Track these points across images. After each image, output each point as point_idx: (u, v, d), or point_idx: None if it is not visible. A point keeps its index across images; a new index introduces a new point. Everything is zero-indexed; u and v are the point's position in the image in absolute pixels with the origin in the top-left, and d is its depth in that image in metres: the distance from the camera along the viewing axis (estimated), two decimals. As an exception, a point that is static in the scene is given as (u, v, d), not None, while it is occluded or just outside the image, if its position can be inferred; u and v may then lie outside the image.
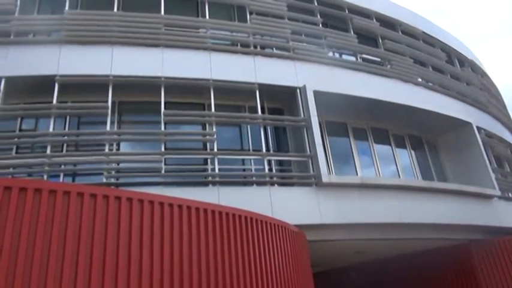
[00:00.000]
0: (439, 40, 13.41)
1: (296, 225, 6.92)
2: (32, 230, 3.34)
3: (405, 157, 11.08)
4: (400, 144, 11.13)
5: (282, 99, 9.31)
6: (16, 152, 7.58)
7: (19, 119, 7.92)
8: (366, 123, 10.57)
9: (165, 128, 7.97)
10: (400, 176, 10.47)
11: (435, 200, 9.27)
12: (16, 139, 7.57)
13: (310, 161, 8.38)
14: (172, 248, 4.13)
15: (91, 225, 3.64)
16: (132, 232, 3.86)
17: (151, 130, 8.04)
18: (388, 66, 11.02)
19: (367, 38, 11.35)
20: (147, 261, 3.85)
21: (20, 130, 7.90)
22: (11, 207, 3.30)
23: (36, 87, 7.83)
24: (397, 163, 10.67)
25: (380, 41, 11.50)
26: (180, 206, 4.41)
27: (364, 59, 10.82)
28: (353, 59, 10.68)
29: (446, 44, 13.69)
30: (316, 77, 9.32)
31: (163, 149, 7.72)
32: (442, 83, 12.03)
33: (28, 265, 3.21)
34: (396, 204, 8.66)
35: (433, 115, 10.88)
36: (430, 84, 11.70)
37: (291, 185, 8.38)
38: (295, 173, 8.75)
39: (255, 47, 9.40)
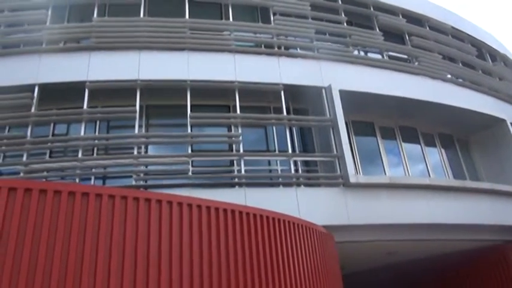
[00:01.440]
0: (468, 34, 12.99)
1: (324, 226, 6.85)
2: (67, 231, 3.44)
3: (435, 156, 10.78)
4: (430, 143, 10.84)
5: (308, 100, 9.25)
6: (50, 156, 7.85)
7: (52, 124, 8.20)
8: (393, 122, 10.35)
9: (191, 130, 8.07)
10: (430, 175, 10.20)
11: (467, 200, 8.98)
12: (49, 144, 7.84)
13: (337, 161, 8.28)
14: (201, 248, 4.17)
15: (122, 227, 3.72)
16: (161, 234, 3.92)
17: (178, 133, 8.16)
18: (416, 63, 10.77)
19: (393, 35, 11.13)
20: (176, 262, 3.90)
21: (53, 135, 8.18)
22: (47, 210, 3.42)
23: (68, 93, 8.09)
24: (426, 162, 10.39)
25: (407, 37, 11.26)
26: (208, 208, 4.45)
27: (390, 57, 10.61)
28: (379, 56, 10.49)
29: (477, 39, 13.24)
30: (341, 76, 9.22)
31: (190, 151, 7.81)
32: (473, 78, 11.64)
33: (63, 265, 3.31)
34: (427, 204, 8.43)
35: (464, 112, 10.54)
36: (460, 80, 11.35)
37: (318, 185, 8.31)
38: (321, 173, 8.66)
39: (279, 47, 9.39)
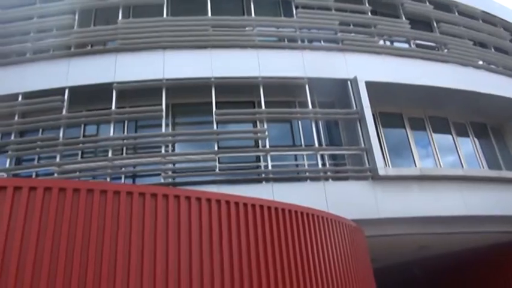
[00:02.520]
0: (500, 18, 12.44)
1: (353, 220, 6.74)
2: (100, 229, 3.51)
3: (468, 146, 10.41)
4: (462, 133, 10.47)
5: (333, 92, 9.12)
6: (81, 157, 8.08)
7: (82, 126, 8.43)
8: (423, 112, 10.05)
9: (217, 127, 8.11)
10: (463, 166, 9.86)
11: (503, 191, 8.64)
12: (81, 145, 8.06)
13: (365, 154, 8.14)
14: (231, 244, 4.18)
15: (153, 224, 3.77)
16: (191, 230, 3.95)
17: (204, 130, 8.21)
18: (445, 50, 10.41)
19: (420, 23, 10.80)
20: (206, 258, 3.93)
21: (84, 136, 8.41)
22: (80, 208, 3.51)
23: (96, 95, 8.29)
24: (459, 153, 10.05)
25: (435, 24, 10.90)
26: (236, 203, 4.45)
27: (418, 45, 10.30)
28: (406, 45, 10.21)
29: (510, 22, 12.66)
30: (367, 67, 9.04)
31: (216, 148, 7.85)
32: (506, 64, 11.15)
33: (98, 263, 3.39)
34: (460, 196, 8.17)
35: (497, 100, 10.12)
36: (493, 66, 10.90)
37: (346, 179, 8.18)
38: (349, 166, 8.53)
39: (303, 41, 9.29)
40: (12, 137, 7.93)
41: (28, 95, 8.20)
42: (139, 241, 3.62)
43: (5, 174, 7.57)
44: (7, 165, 7.75)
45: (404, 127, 9.71)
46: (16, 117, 8.05)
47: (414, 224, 7.98)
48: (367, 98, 8.44)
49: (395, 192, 7.85)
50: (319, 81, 8.72)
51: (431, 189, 8.08)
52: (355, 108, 8.52)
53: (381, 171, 7.78)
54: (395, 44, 10.38)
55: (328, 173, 8.08)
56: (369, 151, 8.06)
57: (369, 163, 8.03)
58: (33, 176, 7.86)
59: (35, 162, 8.10)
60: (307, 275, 4.76)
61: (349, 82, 8.76)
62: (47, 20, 9.07)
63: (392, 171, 8.15)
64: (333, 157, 8.90)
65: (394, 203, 7.70)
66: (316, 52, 9.17)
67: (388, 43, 10.43)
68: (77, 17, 9.09)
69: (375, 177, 7.84)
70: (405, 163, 9.38)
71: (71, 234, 3.41)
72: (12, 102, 8.13)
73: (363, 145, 8.20)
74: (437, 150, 9.76)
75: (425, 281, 12.08)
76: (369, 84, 8.58)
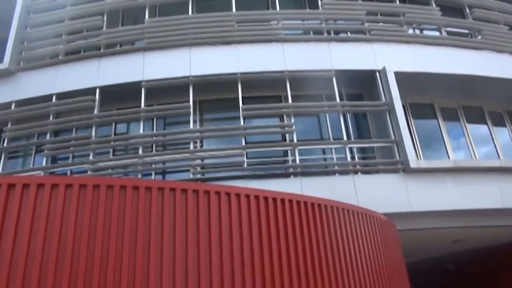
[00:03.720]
0: (538, 1, 11.81)
1: (384, 214, 6.61)
2: (134, 225, 3.60)
3: (505, 136, 9.98)
4: (498, 122, 10.04)
5: (361, 84, 8.95)
6: (113, 154, 8.29)
7: (113, 124, 8.64)
8: (456, 102, 9.70)
9: (244, 122, 8.13)
10: (500, 156, 9.46)
11: (545, 182, 8.23)
12: (112, 142, 8.27)
13: (395, 147, 7.96)
14: (261, 239, 4.19)
15: (184, 219, 3.83)
16: (221, 225, 3.99)
17: (232, 126, 8.24)
18: (479, 37, 9.99)
19: (451, 9, 10.40)
20: (237, 253, 3.95)
21: (115, 134, 8.62)
22: (114, 203, 3.61)
23: (126, 94, 8.48)
24: (495, 143, 9.65)
25: (467, 10, 10.47)
26: (265, 198, 4.45)
27: (449, 33, 9.93)
28: (437, 33, 9.86)
29: (548, 5, 12.01)
30: (396, 57, 8.80)
31: (244, 143, 7.88)
32: (545, 49, 10.58)
33: (132, 259, 3.48)
34: (497, 188, 7.86)
35: (536, 87, 9.64)
36: (531, 52, 10.36)
37: (376, 172, 8.03)
38: (379, 159, 8.36)
39: (329, 33, 9.14)
40: (48, 137, 8.24)
41: (61, 96, 8.48)
42: (170, 236, 3.69)
43: (41, 173, 7.88)
44: (43, 163, 8.07)
45: (436, 118, 9.40)
46: (51, 117, 8.35)
47: (448, 218, 7.74)
48: (397, 89, 8.23)
49: (427, 185, 7.64)
50: (347, 73, 8.58)
51: (465, 181, 7.81)
52: (384, 99, 8.33)
53: (413, 164, 7.59)
54: (426, 32, 10.05)
55: (358, 167, 7.96)
56: (400, 143, 7.87)
57: (399, 155, 7.85)
58: (68, 174, 8.14)
59: (69, 160, 8.39)
60: (338, 271, 4.71)
61: (377, 73, 8.57)
62: (78, 22, 9.33)
63: (424, 163, 7.93)
64: (362, 150, 8.75)
65: (426, 196, 7.50)
66: (343, 44, 9.01)
67: (417, 31, 10.11)
68: (105, 18, 9.31)
69: (406, 169, 7.66)
70: (438, 155, 9.10)
71: (106, 229, 3.51)
72: (47, 103, 8.43)
73: (393, 137, 8.02)
74: (471, 140, 9.41)
75: (459, 275, 11.72)
76: (398, 75, 8.36)
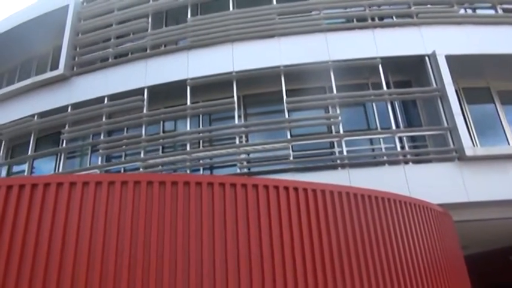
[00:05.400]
0: None
1: (439, 205, 6.33)
2: (186, 220, 3.71)
3: None
4: None
5: (409, 71, 8.59)
6: (162, 152, 8.57)
7: (161, 122, 8.92)
8: (515, 84, 9.06)
9: (288, 115, 8.08)
10: None
11: None
12: (161, 140, 8.55)
13: (448, 134, 7.58)
14: (311, 232, 4.15)
15: (234, 213, 3.88)
16: (271, 217, 4.00)
17: (276, 119, 8.22)
18: (539, 12, 9.23)
19: (507, -15, 9.68)
20: (287, 245, 3.95)
21: (163, 132, 8.90)
22: (167, 199, 3.73)
23: (172, 92, 8.72)
24: (562, 127, 8.91)
25: (525, -16, 9.70)
26: (314, 191, 4.40)
27: (505, 10, 9.25)
28: (491, 12, 9.23)
29: None
30: (447, 40, 8.36)
31: (289, 136, 7.84)
32: None
33: (185, 252, 3.59)
34: None
35: None
36: None
37: (429, 161, 7.70)
38: (432, 148, 8.00)
39: (373, 19, 8.84)
40: (102, 137, 8.66)
41: (112, 97, 8.88)
42: (221, 230, 3.76)
43: (98, 171, 8.31)
44: (99, 162, 8.50)
45: (493, 102, 8.83)
46: (104, 118, 8.77)
47: (509, 208, 7.28)
48: (449, 74, 7.81)
49: (486, 173, 7.21)
50: (393, 59, 8.27)
51: (529, 168, 7.29)
52: (435, 85, 7.95)
53: (468, 152, 7.19)
54: (478, 12, 9.44)
55: (408, 156, 7.67)
56: (453, 130, 7.49)
57: (453, 143, 7.47)
58: (122, 171, 8.52)
59: (122, 158, 8.77)
60: (392, 265, 4.57)
61: (427, 58, 8.18)
62: (124, 25, 9.70)
63: (481, 150, 7.49)
64: (412, 139, 8.42)
65: (485, 185, 7.08)
66: (389, 29, 8.68)
67: (469, 11, 9.52)
68: (150, 20, 9.60)
69: (461, 158, 7.28)
70: (495, 141, 8.55)
71: (160, 225, 3.64)
72: (100, 104, 8.86)
73: (445, 124, 7.64)
74: (534, 125, 8.76)
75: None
76: (449, 59, 7.93)
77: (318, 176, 6.90)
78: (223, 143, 8.35)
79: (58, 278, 3.29)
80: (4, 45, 11.34)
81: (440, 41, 8.29)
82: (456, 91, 7.92)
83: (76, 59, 9.81)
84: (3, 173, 10.07)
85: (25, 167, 9.37)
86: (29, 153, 9.29)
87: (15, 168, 10.19)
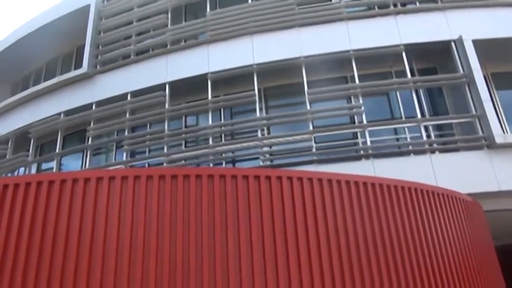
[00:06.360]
0: None
1: (468, 194, 6.15)
2: (211, 213, 3.72)
3: None
4: None
5: (434, 57, 8.34)
6: (185, 146, 8.64)
7: (183, 117, 8.99)
8: (547, 67, 8.68)
9: (310, 106, 7.99)
10: None
11: None
12: (184, 135, 8.61)
13: (477, 121, 7.34)
14: (336, 224, 4.10)
15: (258, 205, 3.87)
16: (295, 210, 3.97)
17: (298, 111, 8.15)
18: None
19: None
20: (313, 238, 3.92)
21: (186, 127, 8.97)
22: (191, 192, 3.75)
23: (193, 87, 8.76)
24: None
25: (557, -38, 9.23)
26: (338, 182, 4.33)
27: (536, -10, 8.85)
28: (521, -8, 8.84)
29: None
30: (473, 24, 8.06)
31: (311, 128, 7.76)
32: None
33: (211, 246, 3.60)
34: None
35: None
36: None
37: (456, 150, 7.48)
38: (459, 136, 7.77)
39: (395, 5, 8.61)
40: (126, 133, 8.80)
41: (135, 94, 9.00)
42: (246, 222, 3.75)
43: (123, 166, 8.46)
44: (124, 158, 8.65)
45: (524, 87, 8.51)
46: (127, 115, 8.90)
47: (544, 196, 7.01)
48: (476, 59, 7.55)
49: (517, 161, 6.96)
50: (418, 46, 8.05)
51: None
52: (462, 71, 7.70)
53: (499, 139, 6.95)
54: (507, -7, 9.05)
55: (435, 145, 7.47)
56: (482, 118, 7.24)
57: (482, 131, 7.23)
58: (146, 167, 8.64)
59: (146, 154, 8.90)
60: (421, 257, 4.47)
61: (452, 43, 7.92)
62: (145, 22, 9.79)
63: (512, 137, 7.23)
64: (438, 128, 8.19)
65: (516, 174, 6.84)
66: (412, 15, 8.44)
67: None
68: (169, 16, 9.65)
69: (491, 145, 7.04)
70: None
71: (185, 217, 3.66)
72: (123, 101, 9.00)
73: (474, 111, 7.40)
74: None
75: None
76: (477, 43, 7.66)
77: (341, 167, 6.83)
78: (245, 136, 8.35)
79: (88, 269, 3.36)
80: (29, 47, 11.65)
81: (466, 26, 8.01)
82: (484, 77, 7.65)
83: (99, 57, 9.98)
84: (33, 170, 10.39)
85: (53, 164, 9.63)
86: (57, 150, 9.54)
87: (44, 166, 10.50)
